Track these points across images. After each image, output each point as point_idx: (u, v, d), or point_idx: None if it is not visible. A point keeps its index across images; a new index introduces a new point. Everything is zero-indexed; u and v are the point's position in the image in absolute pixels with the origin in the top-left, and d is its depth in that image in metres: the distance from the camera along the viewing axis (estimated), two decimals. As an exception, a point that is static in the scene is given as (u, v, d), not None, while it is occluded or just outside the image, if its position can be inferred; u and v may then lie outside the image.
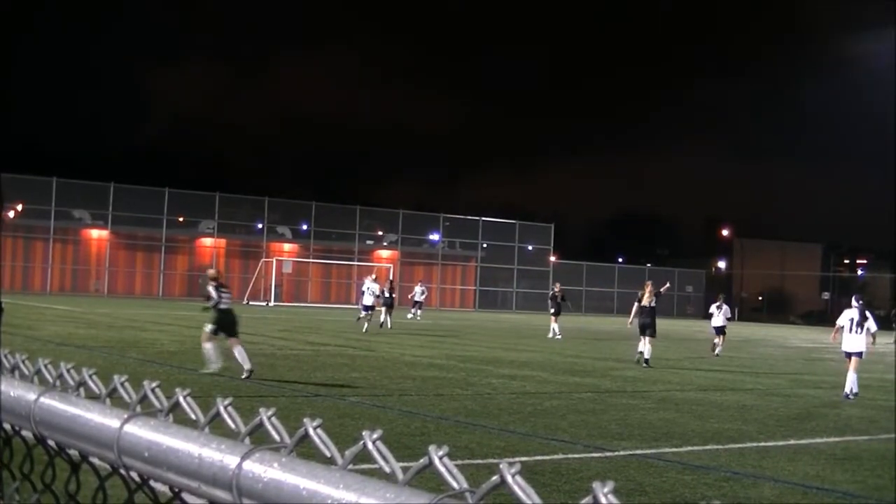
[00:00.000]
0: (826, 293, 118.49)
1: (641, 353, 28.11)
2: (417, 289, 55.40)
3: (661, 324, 30.12)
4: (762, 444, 13.94)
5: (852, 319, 22.20)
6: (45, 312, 41.42)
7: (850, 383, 21.68)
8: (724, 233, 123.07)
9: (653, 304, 29.07)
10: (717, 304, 36.55)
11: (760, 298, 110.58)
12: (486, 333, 43.56)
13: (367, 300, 40.81)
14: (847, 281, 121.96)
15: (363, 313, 40.36)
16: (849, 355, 22.14)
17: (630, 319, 30.36)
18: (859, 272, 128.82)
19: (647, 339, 28.16)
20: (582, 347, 35.80)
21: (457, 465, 1.34)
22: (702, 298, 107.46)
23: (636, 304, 29.63)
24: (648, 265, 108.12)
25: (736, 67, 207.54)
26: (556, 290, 44.30)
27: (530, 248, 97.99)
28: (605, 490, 1.17)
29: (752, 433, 14.96)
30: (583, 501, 1.16)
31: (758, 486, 10.81)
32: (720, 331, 35.63)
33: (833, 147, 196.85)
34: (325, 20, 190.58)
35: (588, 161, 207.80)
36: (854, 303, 22.53)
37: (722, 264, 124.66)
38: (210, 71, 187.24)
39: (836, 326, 22.94)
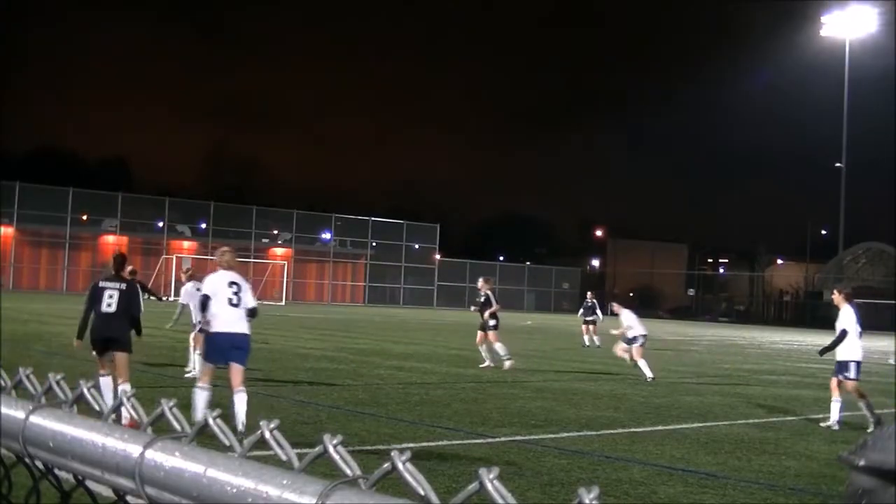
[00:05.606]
0: (691, 290, 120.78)
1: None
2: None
3: (538, 318, 30.68)
4: (632, 429, 14.15)
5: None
6: (-51, 307, 40.38)
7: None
8: (598, 233, 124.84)
9: None
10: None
11: (631, 294, 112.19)
12: (375, 327, 43.59)
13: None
14: (710, 278, 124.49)
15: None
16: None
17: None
18: (720, 270, 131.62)
19: None
20: (465, 340, 35.93)
21: (348, 452, 1.34)
22: (577, 295, 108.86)
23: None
24: (528, 263, 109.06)
25: (609, 67, 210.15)
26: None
27: (417, 246, 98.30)
28: (491, 476, 1.18)
29: (623, 420, 15.16)
30: (470, 486, 1.17)
31: (628, 468, 10.96)
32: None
33: (701, 155, 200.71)
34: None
35: (472, 162, 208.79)
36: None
37: (596, 263, 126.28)
38: (112, 69, 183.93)
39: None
